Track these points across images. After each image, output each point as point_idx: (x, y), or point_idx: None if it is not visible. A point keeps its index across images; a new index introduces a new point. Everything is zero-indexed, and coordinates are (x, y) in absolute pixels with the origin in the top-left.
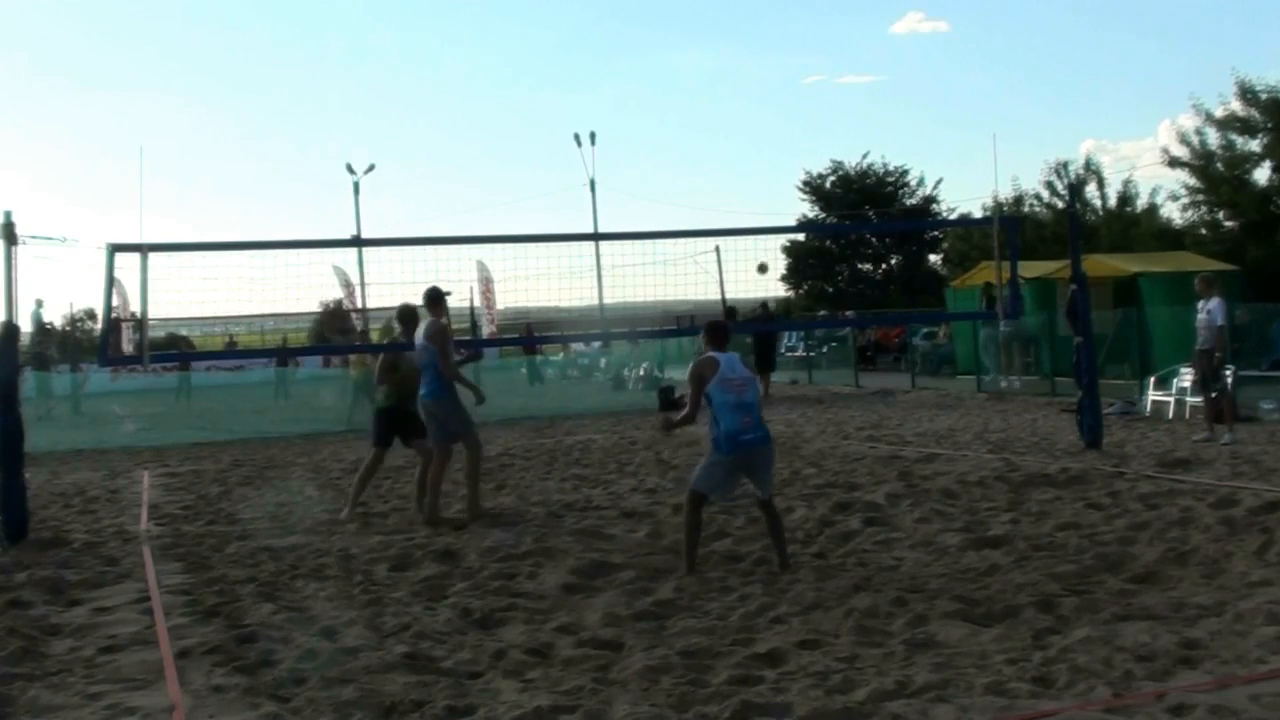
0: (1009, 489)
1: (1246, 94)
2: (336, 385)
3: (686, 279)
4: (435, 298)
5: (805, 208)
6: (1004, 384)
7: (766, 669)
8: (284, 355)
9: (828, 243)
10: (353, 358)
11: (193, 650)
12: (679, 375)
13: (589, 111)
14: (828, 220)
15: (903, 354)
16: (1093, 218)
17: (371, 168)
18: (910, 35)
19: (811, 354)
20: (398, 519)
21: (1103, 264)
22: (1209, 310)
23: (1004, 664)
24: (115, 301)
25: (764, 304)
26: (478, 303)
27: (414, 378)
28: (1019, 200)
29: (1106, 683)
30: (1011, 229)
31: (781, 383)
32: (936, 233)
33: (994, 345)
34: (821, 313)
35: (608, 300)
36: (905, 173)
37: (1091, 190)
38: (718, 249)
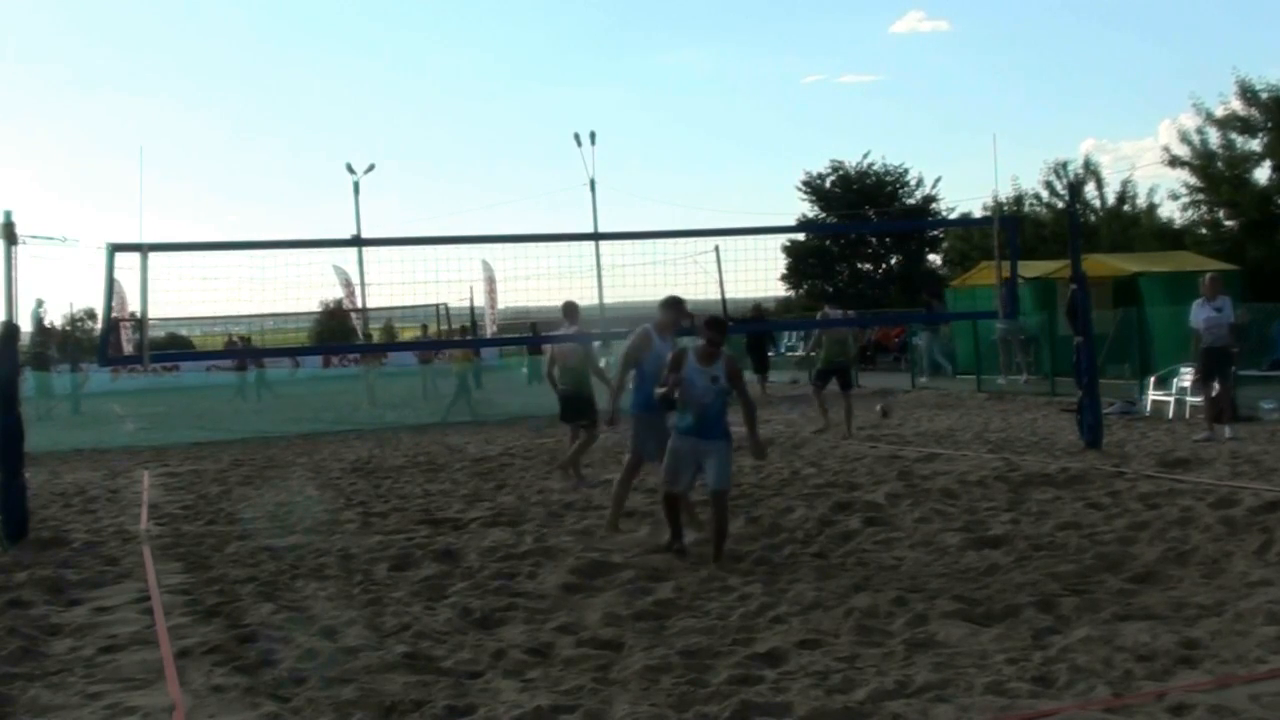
0: (1009, 489)
1: (1246, 93)
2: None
3: (686, 279)
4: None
5: (805, 208)
6: (1001, 382)
7: (766, 669)
8: (288, 355)
9: (828, 243)
10: (457, 352)
11: (193, 650)
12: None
13: (589, 111)
14: (828, 220)
15: (903, 354)
16: (1092, 217)
17: (371, 168)
18: (910, 35)
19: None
20: (398, 519)
21: (1103, 264)
22: (1219, 308)
23: (1004, 664)
24: (115, 301)
25: (757, 305)
26: (481, 302)
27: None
28: (1019, 200)
29: (1106, 683)
30: (1011, 229)
31: (781, 382)
32: (936, 232)
33: (935, 347)
34: (929, 305)
35: (608, 300)
36: (905, 172)
37: (1091, 190)
38: (717, 249)
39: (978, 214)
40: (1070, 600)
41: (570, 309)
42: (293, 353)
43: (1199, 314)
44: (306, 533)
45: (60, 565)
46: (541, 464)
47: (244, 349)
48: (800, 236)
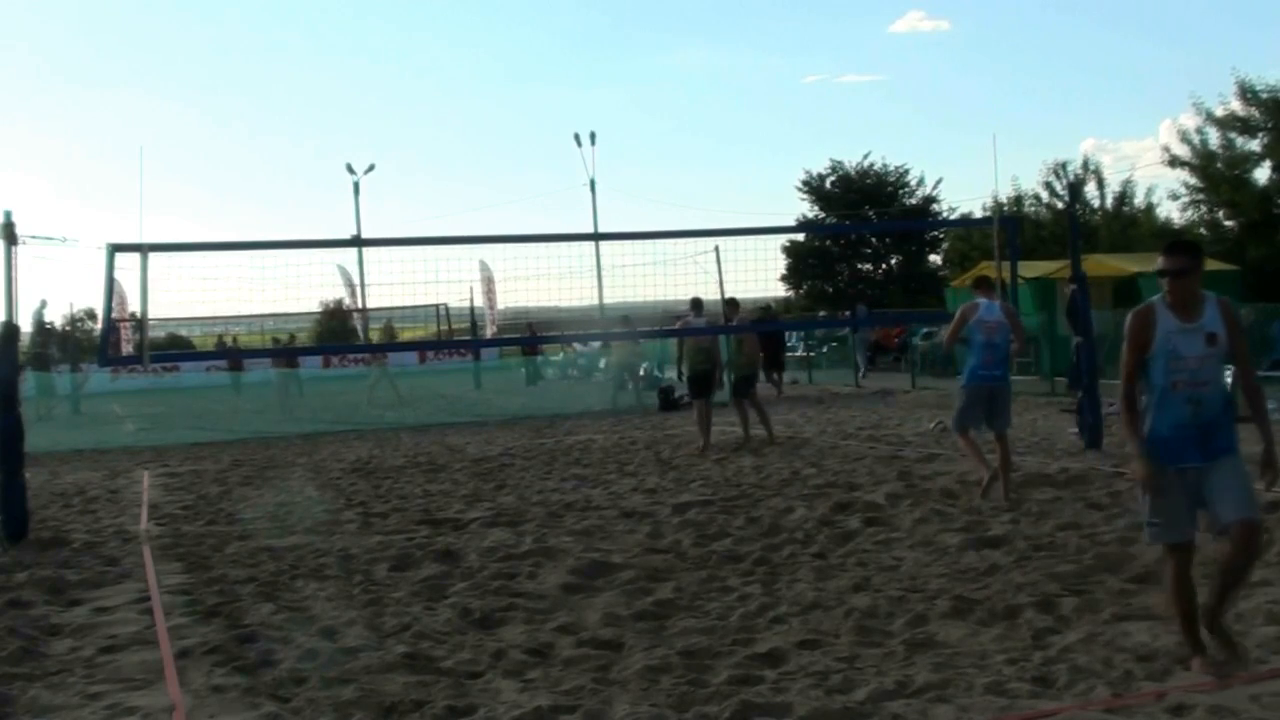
0: (1009, 488)
1: (1246, 93)
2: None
3: (686, 279)
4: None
5: (805, 208)
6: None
7: (766, 669)
8: (287, 354)
9: (828, 243)
10: (617, 344)
11: (193, 650)
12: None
13: (589, 111)
14: (828, 220)
15: (903, 354)
16: (1092, 218)
17: (371, 168)
18: (910, 34)
19: (812, 354)
20: (398, 519)
21: (1102, 264)
22: None
23: (1004, 664)
24: (115, 301)
25: (767, 306)
26: (480, 302)
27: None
28: (1019, 200)
29: (1106, 683)
30: (1011, 229)
31: (784, 382)
32: (936, 233)
33: (863, 346)
34: (822, 313)
35: (608, 300)
36: (905, 173)
37: (1091, 190)
38: (717, 249)
39: (978, 214)
40: (1070, 600)
41: (698, 303)
42: (293, 353)
43: None
44: (306, 533)
45: (60, 565)
46: (541, 464)
47: (238, 349)
48: (800, 237)
